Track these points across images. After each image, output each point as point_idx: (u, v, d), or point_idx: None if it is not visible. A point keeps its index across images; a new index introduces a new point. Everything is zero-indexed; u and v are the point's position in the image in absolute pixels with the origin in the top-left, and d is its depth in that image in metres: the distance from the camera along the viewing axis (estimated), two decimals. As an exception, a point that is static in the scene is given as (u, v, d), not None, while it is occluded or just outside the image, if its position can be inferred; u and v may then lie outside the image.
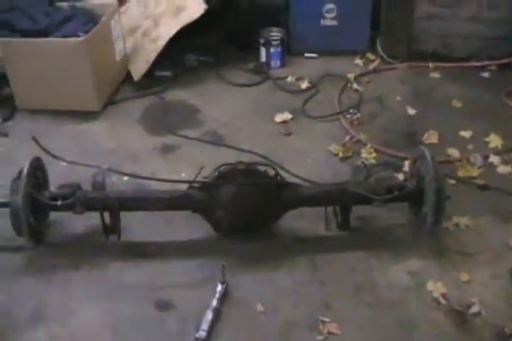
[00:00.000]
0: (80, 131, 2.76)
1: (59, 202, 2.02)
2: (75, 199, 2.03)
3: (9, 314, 1.93)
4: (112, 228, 2.10)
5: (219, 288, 1.96)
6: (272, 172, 2.13)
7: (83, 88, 2.80)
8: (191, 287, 2.01)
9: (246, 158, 2.45)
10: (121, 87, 3.06)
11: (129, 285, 2.01)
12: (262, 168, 2.13)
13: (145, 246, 2.16)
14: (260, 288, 2.00)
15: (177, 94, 3.02)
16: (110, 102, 2.91)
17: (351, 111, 2.90)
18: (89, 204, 2.06)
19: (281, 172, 2.16)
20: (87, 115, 2.82)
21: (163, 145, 2.66)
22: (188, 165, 2.48)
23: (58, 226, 2.20)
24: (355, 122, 2.83)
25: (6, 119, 2.79)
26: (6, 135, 2.70)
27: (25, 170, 1.99)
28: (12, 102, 2.84)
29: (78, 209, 2.04)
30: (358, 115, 2.86)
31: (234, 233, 2.14)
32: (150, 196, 2.13)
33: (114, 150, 2.62)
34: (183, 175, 2.44)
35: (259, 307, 1.92)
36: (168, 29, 3.08)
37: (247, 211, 2.08)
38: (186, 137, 2.68)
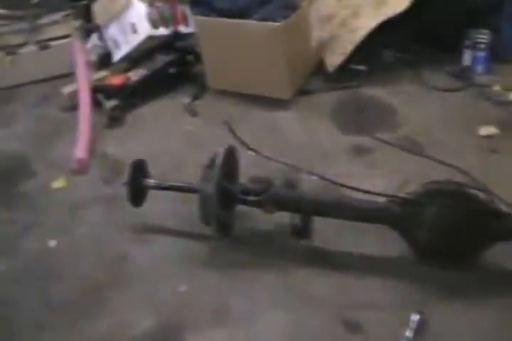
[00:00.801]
0: (268, 118, 2.64)
1: (250, 198, 1.90)
2: (267, 197, 1.89)
3: (190, 307, 1.85)
4: (303, 231, 1.96)
5: (415, 317, 1.77)
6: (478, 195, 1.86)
7: (275, 74, 2.67)
8: (383, 310, 1.80)
9: (445, 172, 2.21)
10: (313, 77, 2.88)
11: (316, 297, 1.84)
12: (472, 190, 1.90)
13: (335, 255, 1.99)
14: (459, 326, 1.78)
15: (372, 91, 2.79)
16: (301, 92, 2.75)
17: None
18: (281, 204, 1.91)
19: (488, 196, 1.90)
20: (276, 103, 2.69)
21: (356, 147, 2.45)
22: (383, 172, 2.28)
23: (245, 219, 2.08)
24: None
25: (196, 98, 2.74)
26: (195, 115, 2.65)
27: (219, 159, 1.89)
28: (202, 81, 2.79)
29: (268, 208, 1.90)
30: None
31: (433, 258, 1.92)
32: (347, 204, 1.93)
33: (305, 145, 2.46)
34: (378, 182, 2.25)
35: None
36: (369, 21, 2.85)
37: (452, 236, 1.83)
38: (383, 141, 2.46)
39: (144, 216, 2.11)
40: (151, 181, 2.01)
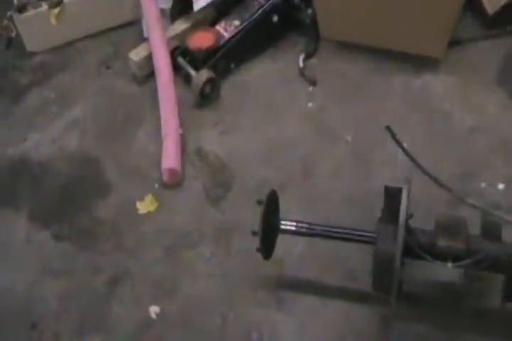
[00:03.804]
0: (413, 87, 1.88)
1: (450, 265, 1.27)
2: (473, 261, 1.27)
3: None
4: None
5: None
6: None
7: (420, 19, 1.85)
8: None
9: None
10: (463, 20, 2.03)
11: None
12: None
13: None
14: None
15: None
16: (452, 42, 1.96)
17: None
18: (489, 265, 1.30)
19: None
20: (419, 61, 1.91)
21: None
22: None
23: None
24: None
25: (309, 55, 1.98)
26: (314, 83, 1.91)
27: (403, 206, 1.27)
28: (315, 30, 1.99)
29: (471, 271, 1.31)
30: None
31: None
32: None
33: (476, 133, 1.74)
34: None
35: None
36: None
37: None
38: None
39: (278, 261, 1.48)
40: (294, 225, 1.39)
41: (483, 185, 1.61)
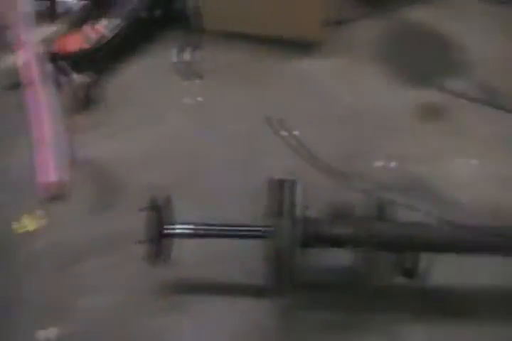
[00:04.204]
0: (296, 71, 1.89)
1: (349, 249, 1.31)
2: (370, 244, 1.31)
3: None
4: (412, 270, 1.38)
5: None
6: None
7: (296, 3, 1.86)
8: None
9: None
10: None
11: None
12: None
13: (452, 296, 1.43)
14: None
15: (420, 15, 2.07)
16: (332, 24, 1.97)
17: None
18: (385, 246, 1.34)
19: None
20: (300, 46, 1.92)
21: (424, 105, 1.80)
22: (474, 143, 1.71)
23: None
24: None
25: (193, 48, 1.93)
26: (199, 76, 1.86)
27: (298, 196, 1.30)
28: (197, 22, 1.94)
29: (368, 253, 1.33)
30: None
31: None
32: (482, 239, 1.33)
33: (356, 111, 1.77)
34: (474, 162, 1.66)
35: None
36: None
37: None
38: (454, 94, 1.80)
39: (176, 266, 1.41)
40: (183, 227, 1.35)
41: (370, 165, 1.64)
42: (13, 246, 1.52)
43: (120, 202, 1.58)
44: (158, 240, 1.34)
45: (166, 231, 1.34)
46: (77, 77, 1.76)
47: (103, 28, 1.84)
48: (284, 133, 1.65)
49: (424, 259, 1.35)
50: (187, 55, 1.91)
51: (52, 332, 1.37)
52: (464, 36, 1.99)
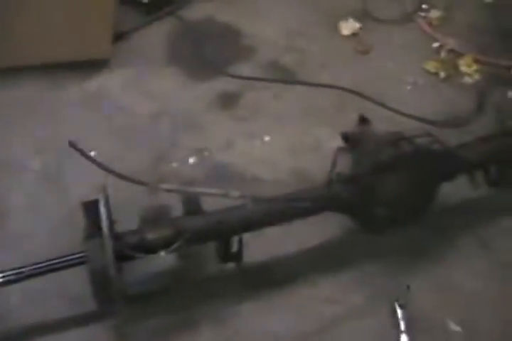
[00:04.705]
0: (86, 93, 1.86)
1: (162, 253, 1.32)
2: (183, 241, 1.33)
3: None
4: (237, 254, 1.44)
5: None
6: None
7: (78, 24, 1.83)
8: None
9: (335, 95, 1.78)
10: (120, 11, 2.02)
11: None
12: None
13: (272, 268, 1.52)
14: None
15: (200, 10, 2.13)
16: (115, 37, 1.98)
17: (424, 6, 2.18)
18: (199, 239, 1.38)
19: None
20: (90, 65, 1.91)
21: (218, 95, 1.87)
22: (268, 121, 1.80)
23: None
24: (434, 22, 2.13)
25: None
26: None
27: (103, 216, 1.29)
28: None
29: (184, 251, 1.36)
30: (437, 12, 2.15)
31: (388, 227, 1.53)
32: (282, 208, 1.42)
33: (158, 116, 1.82)
34: (267, 139, 1.77)
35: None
36: None
37: (411, 198, 1.47)
38: (244, 77, 1.88)
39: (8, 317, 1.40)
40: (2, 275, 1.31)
41: (174, 165, 1.69)
42: None
43: None
44: None
45: None
46: None
47: None
48: (86, 154, 1.65)
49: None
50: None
51: None
52: (242, 21, 2.07)
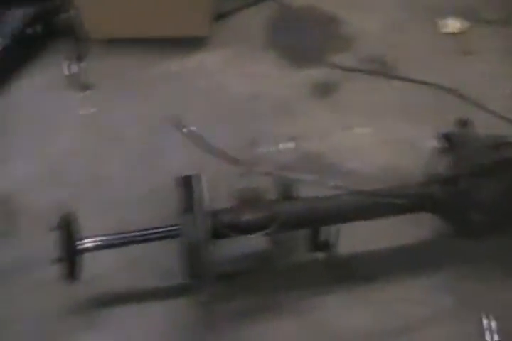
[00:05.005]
0: (185, 69, 1.91)
1: (256, 235, 1.32)
2: (276, 225, 1.33)
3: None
4: (326, 244, 1.42)
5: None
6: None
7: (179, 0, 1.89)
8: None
9: (432, 94, 1.77)
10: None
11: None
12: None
13: (354, 262, 1.49)
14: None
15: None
16: (216, 17, 2.03)
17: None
18: (292, 225, 1.37)
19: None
20: (189, 43, 1.94)
21: (316, 83, 1.86)
22: (363, 114, 1.76)
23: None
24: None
25: (79, 59, 1.92)
26: (88, 87, 1.85)
27: (202, 190, 1.32)
28: (80, 32, 1.93)
29: (277, 235, 1.35)
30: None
31: (485, 233, 1.48)
32: (377, 202, 1.39)
33: (254, 98, 1.82)
34: (362, 131, 1.74)
35: None
36: None
37: (508, 207, 1.41)
38: (344, 68, 1.88)
39: (89, 281, 1.39)
40: (94, 240, 1.34)
41: (267, 148, 1.68)
42: None
43: (22, 226, 1.55)
44: (72, 257, 1.33)
45: (78, 247, 1.33)
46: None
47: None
48: (183, 129, 1.68)
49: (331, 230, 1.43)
50: (77, 67, 1.90)
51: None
52: (342, 12, 2.05)
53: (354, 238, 1.45)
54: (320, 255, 1.44)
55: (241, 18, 2.05)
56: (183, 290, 1.40)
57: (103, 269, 1.44)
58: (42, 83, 1.88)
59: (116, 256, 1.43)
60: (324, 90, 1.84)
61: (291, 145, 1.70)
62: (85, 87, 1.86)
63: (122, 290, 1.44)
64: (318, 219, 1.42)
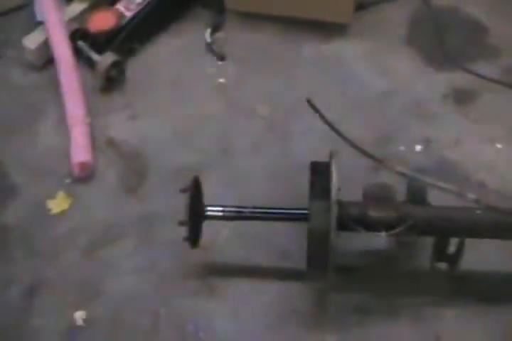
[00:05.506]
0: (324, 54, 1.85)
1: (383, 234, 1.27)
2: (405, 228, 1.27)
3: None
4: (454, 257, 1.35)
5: None
6: None
7: None
8: None
9: None
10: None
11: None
12: None
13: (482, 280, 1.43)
14: None
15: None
16: (358, 6, 1.93)
17: None
18: (421, 230, 1.31)
19: None
20: (327, 29, 1.88)
21: (454, 88, 1.77)
22: (502, 128, 1.67)
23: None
24: None
25: (216, 28, 1.90)
26: (223, 57, 1.84)
27: (333, 180, 1.25)
28: (220, 2, 1.90)
29: (403, 238, 1.31)
30: None
31: None
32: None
33: (390, 94, 1.75)
34: (499, 146, 1.64)
35: None
36: None
37: None
38: (488, 78, 1.76)
39: (208, 248, 1.42)
40: (220, 210, 1.32)
41: (401, 148, 1.62)
42: (39, 229, 1.51)
43: (149, 183, 1.56)
44: (199, 222, 1.33)
45: (207, 213, 1.32)
46: (99, 57, 1.72)
47: (126, 7, 1.81)
48: (322, 114, 1.63)
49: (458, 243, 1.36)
50: (217, 36, 1.88)
51: (79, 315, 1.37)
52: (489, 19, 1.93)
53: (476, 253, 1.38)
54: (443, 266, 1.37)
55: (381, 11, 1.96)
56: (298, 275, 1.35)
57: (219, 240, 1.43)
58: (180, 47, 1.86)
59: (235, 229, 1.43)
60: (463, 97, 1.75)
61: (425, 148, 1.63)
62: (221, 56, 1.83)
63: (238, 263, 1.42)
64: (448, 230, 1.34)
